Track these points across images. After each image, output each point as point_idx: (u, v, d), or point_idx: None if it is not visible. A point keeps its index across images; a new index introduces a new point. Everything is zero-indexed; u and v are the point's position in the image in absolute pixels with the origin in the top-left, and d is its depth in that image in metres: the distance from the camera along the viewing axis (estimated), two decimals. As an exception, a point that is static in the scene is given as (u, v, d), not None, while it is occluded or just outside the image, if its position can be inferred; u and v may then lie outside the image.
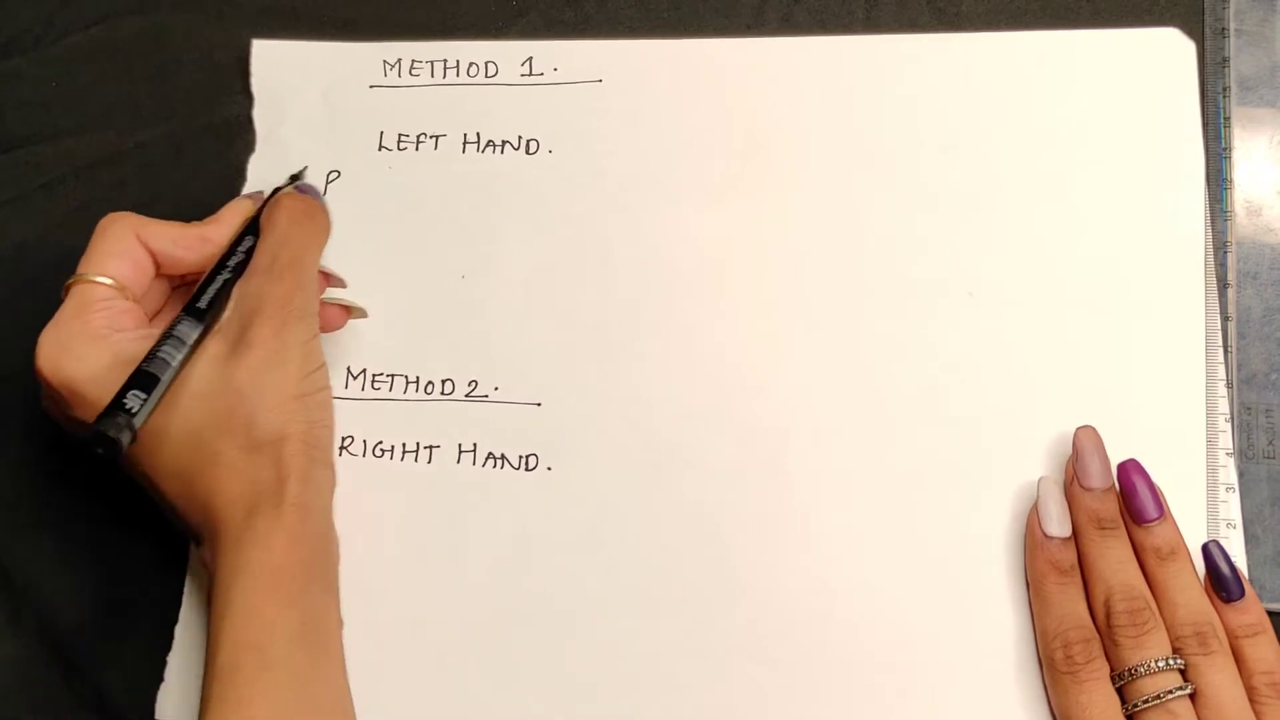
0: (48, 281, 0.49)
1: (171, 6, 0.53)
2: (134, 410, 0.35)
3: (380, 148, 0.49)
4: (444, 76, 0.50)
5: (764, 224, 0.47)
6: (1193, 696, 0.38)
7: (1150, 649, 0.38)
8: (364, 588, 0.44)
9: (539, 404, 0.46)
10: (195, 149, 0.50)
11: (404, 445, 0.46)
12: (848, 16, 0.50)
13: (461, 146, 0.49)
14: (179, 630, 0.44)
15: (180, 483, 0.39)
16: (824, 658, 0.42)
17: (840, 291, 0.46)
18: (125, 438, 0.35)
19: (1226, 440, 0.44)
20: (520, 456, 0.45)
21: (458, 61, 0.50)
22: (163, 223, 0.42)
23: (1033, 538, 0.42)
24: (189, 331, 0.38)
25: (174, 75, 0.52)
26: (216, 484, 0.38)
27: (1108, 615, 0.39)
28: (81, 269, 0.40)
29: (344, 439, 0.46)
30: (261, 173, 0.49)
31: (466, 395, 0.46)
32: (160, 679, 0.43)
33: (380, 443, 0.46)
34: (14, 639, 0.45)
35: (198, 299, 0.39)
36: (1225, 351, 0.45)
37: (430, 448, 0.45)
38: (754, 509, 0.44)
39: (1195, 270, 0.45)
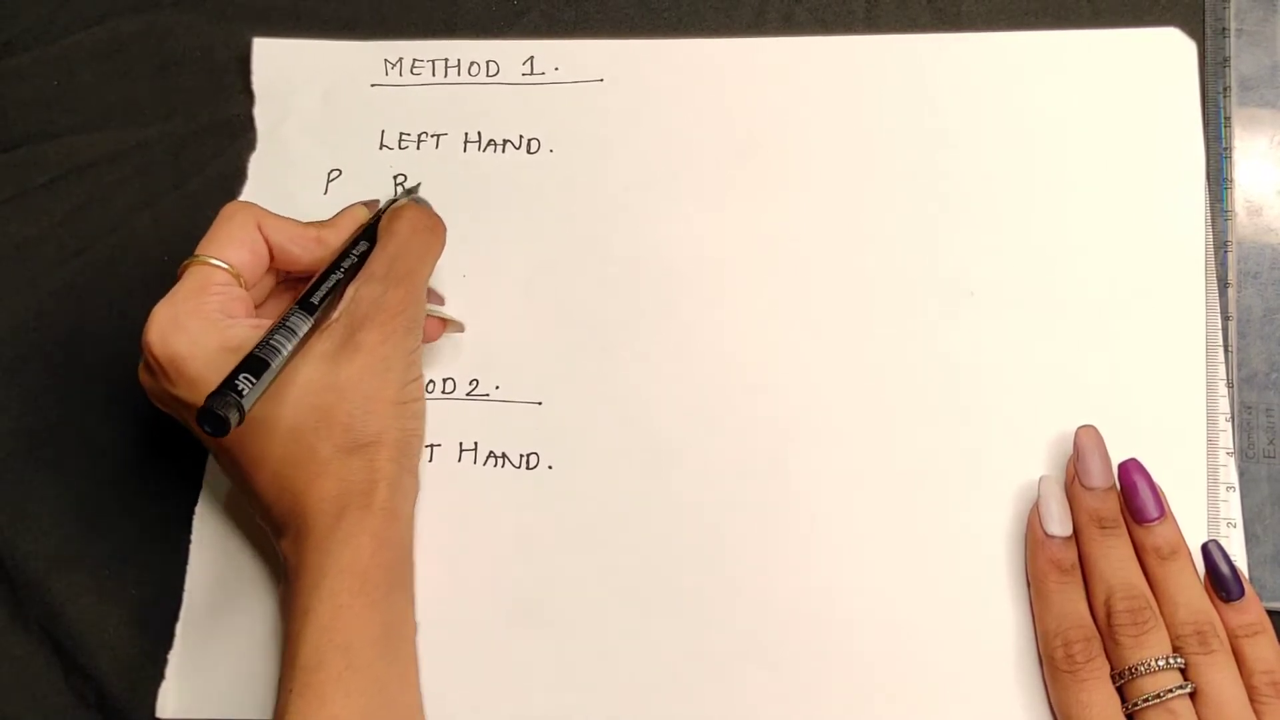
0: (49, 279, 0.49)
1: (172, 5, 0.53)
2: (244, 392, 0.36)
3: (381, 146, 0.50)
4: (445, 75, 0.50)
5: (764, 223, 0.47)
6: (1193, 695, 0.38)
7: (1151, 648, 0.38)
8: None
9: (540, 403, 0.46)
10: (196, 148, 0.50)
11: (405, 444, 0.46)
12: (848, 16, 0.50)
13: (463, 145, 0.49)
14: (180, 629, 0.44)
15: (273, 474, 0.39)
16: (824, 657, 0.42)
17: (841, 291, 0.46)
18: (234, 418, 0.35)
19: (1227, 440, 0.44)
20: (521, 455, 0.45)
21: (459, 60, 0.50)
22: (282, 218, 0.42)
23: (1033, 537, 0.42)
24: (301, 324, 0.39)
25: (175, 74, 0.52)
26: (309, 480, 0.38)
27: (1108, 614, 0.39)
28: (201, 251, 0.41)
29: (345, 438, 0.46)
30: (262, 171, 0.49)
31: (468, 394, 0.46)
32: (161, 677, 0.43)
33: (381, 441, 0.46)
34: (14, 638, 0.45)
35: (311, 295, 0.40)
36: (1226, 351, 0.45)
37: (432, 446, 0.45)
38: (754, 508, 0.44)
39: (1196, 269, 0.45)
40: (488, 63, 0.50)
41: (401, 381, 0.40)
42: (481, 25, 0.51)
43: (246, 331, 0.39)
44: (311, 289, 0.40)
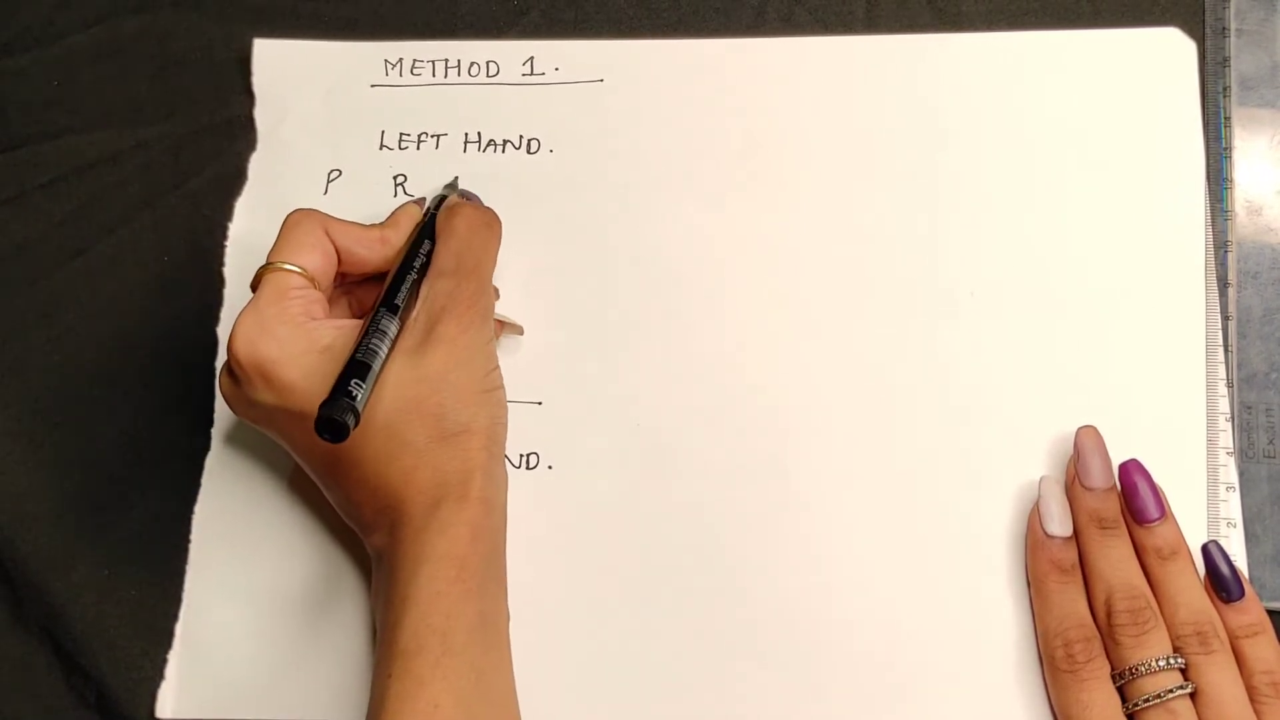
0: (49, 279, 0.49)
1: (173, 6, 0.53)
2: (357, 397, 0.36)
3: (381, 147, 0.50)
4: (445, 76, 0.50)
5: (764, 223, 0.47)
6: (1193, 696, 0.38)
7: (1151, 648, 0.38)
8: (365, 585, 0.44)
9: (539, 403, 0.46)
10: (196, 148, 0.50)
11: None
12: (848, 16, 0.50)
13: (463, 146, 0.49)
14: (179, 629, 0.44)
15: (369, 471, 0.39)
16: (823, 657, 0.42)
17: (841, 291, 0.46)
18: (351, 422, 0.36)
19: (1227, 439, 0.44)
20: (521, 455, 0.45)
21: (459, 61, 0.50)
22: (345, 221, 0.43)
23: (1034, 537, 0.42)
24: (390, 325, 0.39)
25: (175, 74, 0.52)
26: (405, 472, 0.39)
27: (1108, 614, 0.39)
28: (273, 258, 0.41)
29: (345, 438, 0.46)
30: (263, 172, 0.49)
31: (468, 394, 0.46)
32: (161, 677, 0.43)
33: (381, 442, 0.46)
34: (15, 638, 0.45)
35: (393, 296, 0.40)
36: (1226, 351, 0.45)
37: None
38: (754, 508, 0.44)
39: (1196, 269, 0.45)
40: (488, 63, 0.50)
41: (484, 370, 0.41)
42: (481, 26, 0.51)
43: (331, 332, 0.39)
44: (391, 290, 0.40)
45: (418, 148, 0.49)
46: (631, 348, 0.46)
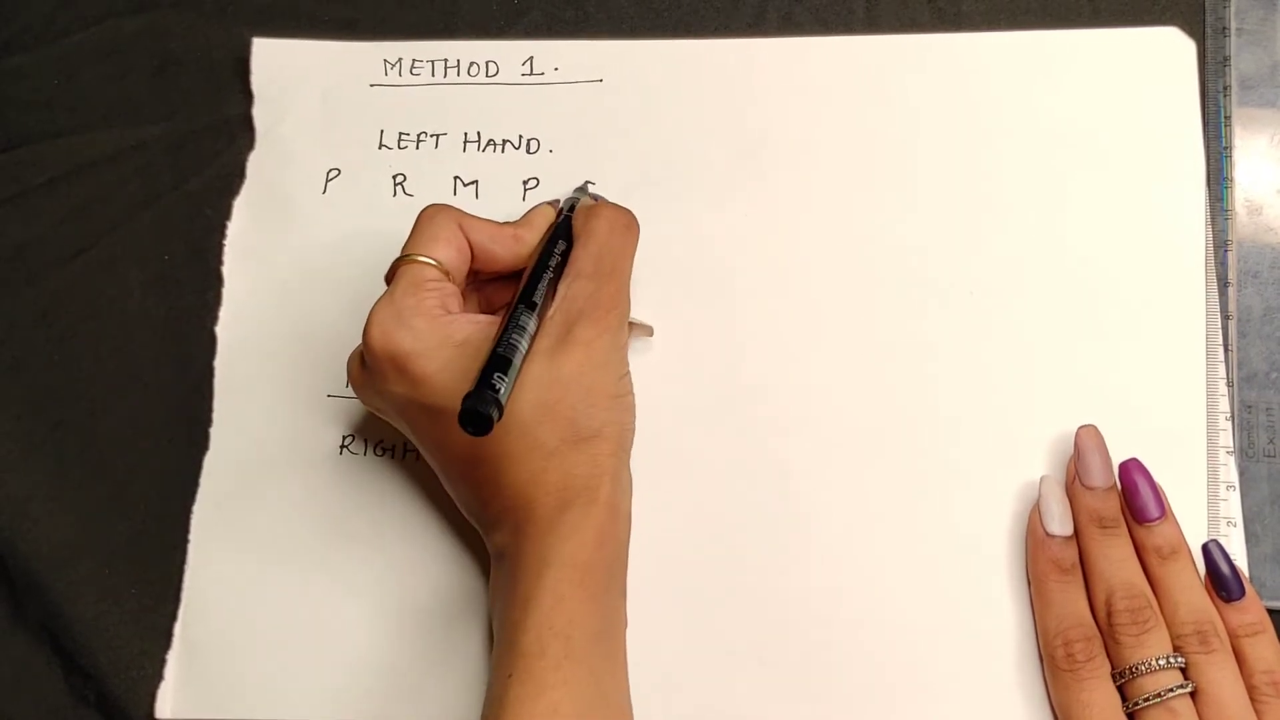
0: (49, 279, 0.49)
1: (172, 5, 0.53)
2: (500, 390, 0.36)
3: (380, 146, 0.50)
4: (444, 76, 0.50)
5: (764, 223, 0.47)
6: (1193, 695, 0.38)
7: (1151, 647, 0.38)
8: (366, 585, 0.44)
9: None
10: (195, 147, 0.50)
11: (405, 444, 0.46)
12: (848, 16, 0.50)
13: (462, 146, 0.49)
14: (178, 629, 0.44)
15: (498, 469, 0.39)
16: (824, 656, 0.42)
17: (840, 291, 0.46)
18: (495, 415, 0.35)
19: (1227, 439, 0.44)
20: (521, 455, 0.45)
21: (458, 61, 0.50)
22: (479, 218, 0.42)
23: (1034, 536, 0.42)
24: (529, 322, 0.39)
25: (174, 74, 0.52)
26: (534, 473, 0.38)
27: (1109, 613, 0.39)
28: (409, 250, 0.41)
29: (344, 438, 0.46)
30: (261, 171, 0.49)
31: (467, 394, 0.46)
32: (160, 677, 0.43)
33: (381, 441, 0.46)
34: (15, 637, 0.45)
35: (532, 293, 0.40)
36: (1226, 350, 0.45)
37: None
38: (754, 507, 0.44)
39: (1196, 269, 0.45)
40: (487, 63, 0.50)
41: (617, 375, 0.40)
42: (481, 25, 0.51)
43: (468, 326, 0.39)
44: (529, 287, 0.40)
45: (417, 147, 0.49)
46: (632, 347, 0.46)
